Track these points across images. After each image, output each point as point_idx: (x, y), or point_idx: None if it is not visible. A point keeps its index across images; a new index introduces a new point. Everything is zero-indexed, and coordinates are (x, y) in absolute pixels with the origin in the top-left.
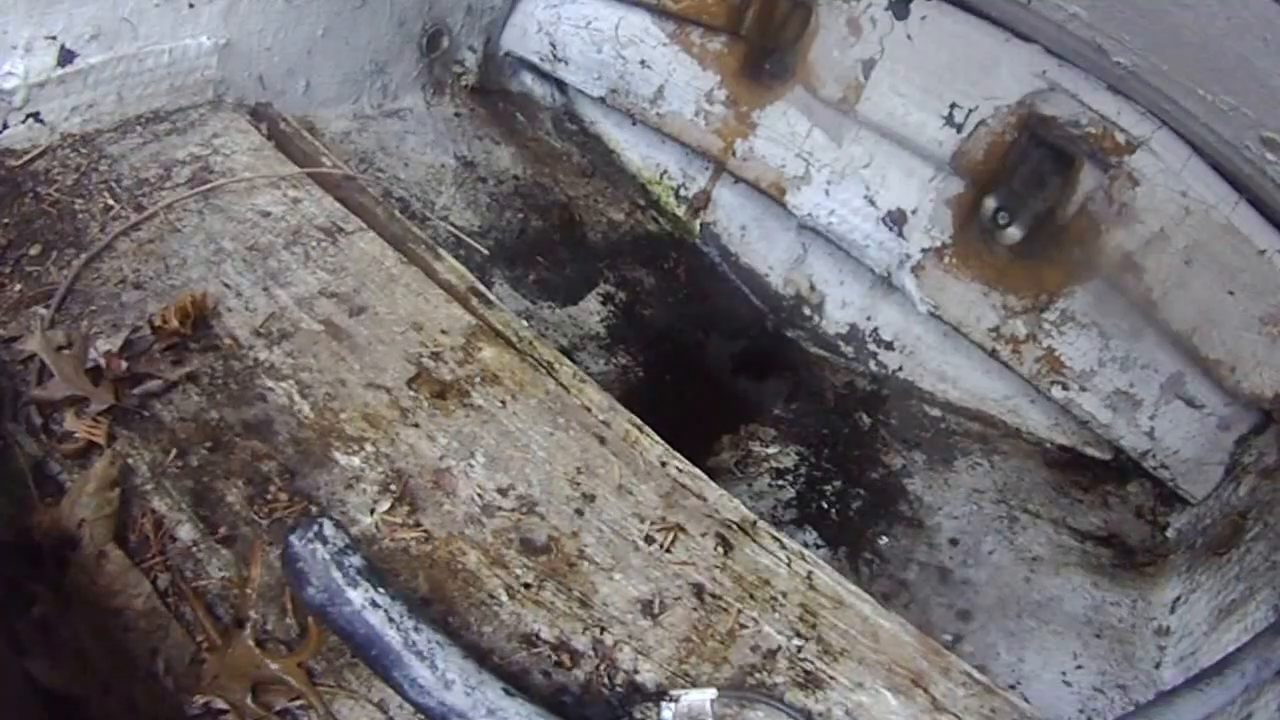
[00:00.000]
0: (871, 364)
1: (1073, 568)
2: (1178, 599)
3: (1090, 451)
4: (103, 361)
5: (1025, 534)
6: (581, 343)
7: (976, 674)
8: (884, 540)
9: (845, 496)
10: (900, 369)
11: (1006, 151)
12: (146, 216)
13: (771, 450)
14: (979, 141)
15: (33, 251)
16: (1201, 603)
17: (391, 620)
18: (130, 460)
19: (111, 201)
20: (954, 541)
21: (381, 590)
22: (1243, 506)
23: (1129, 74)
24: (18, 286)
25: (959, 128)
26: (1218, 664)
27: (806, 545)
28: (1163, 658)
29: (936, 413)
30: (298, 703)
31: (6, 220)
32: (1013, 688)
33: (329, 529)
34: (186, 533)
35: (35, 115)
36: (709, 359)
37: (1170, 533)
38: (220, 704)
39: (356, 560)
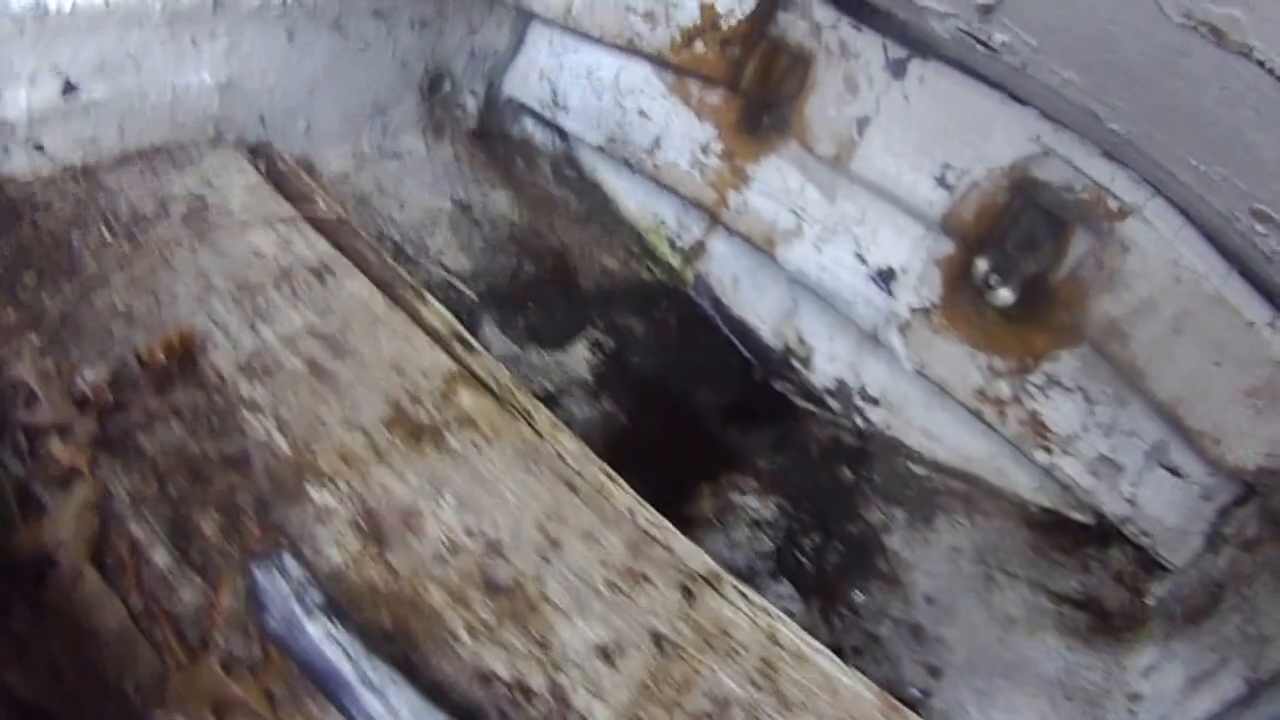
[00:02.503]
0: (858, 419)
1: (1048, 630)
2: (1152, 666)
3: (1073, 515)
4: (89, 391)
5: (1002, 594)
6: (567, 388)
7: None
8: (858, 595)
9: (823, 550)
10: (886, 425)
11: (999, 214)
12: (140, 250)
13: (752, 501)
14: (970, 203)
15: (28, 280)
16: (1175, 671)
17: (348, 655)
18: (111, 487)
19: (107, 234)
20: (929, 599)
21: (338, 625)
22: (1221, 577)
23: (1123, 141)
24: (10, 313)
25: (950, 189)
26: None
27: (780, 597)
28: None
29: (921, 470)
30: None
31: (4, 248)
32: None
33: (290, 562)
34: (161, 558)
35: (37, 145)
36: (695, 408)
37: (1150, 599)
38: None
39: (316, 595)
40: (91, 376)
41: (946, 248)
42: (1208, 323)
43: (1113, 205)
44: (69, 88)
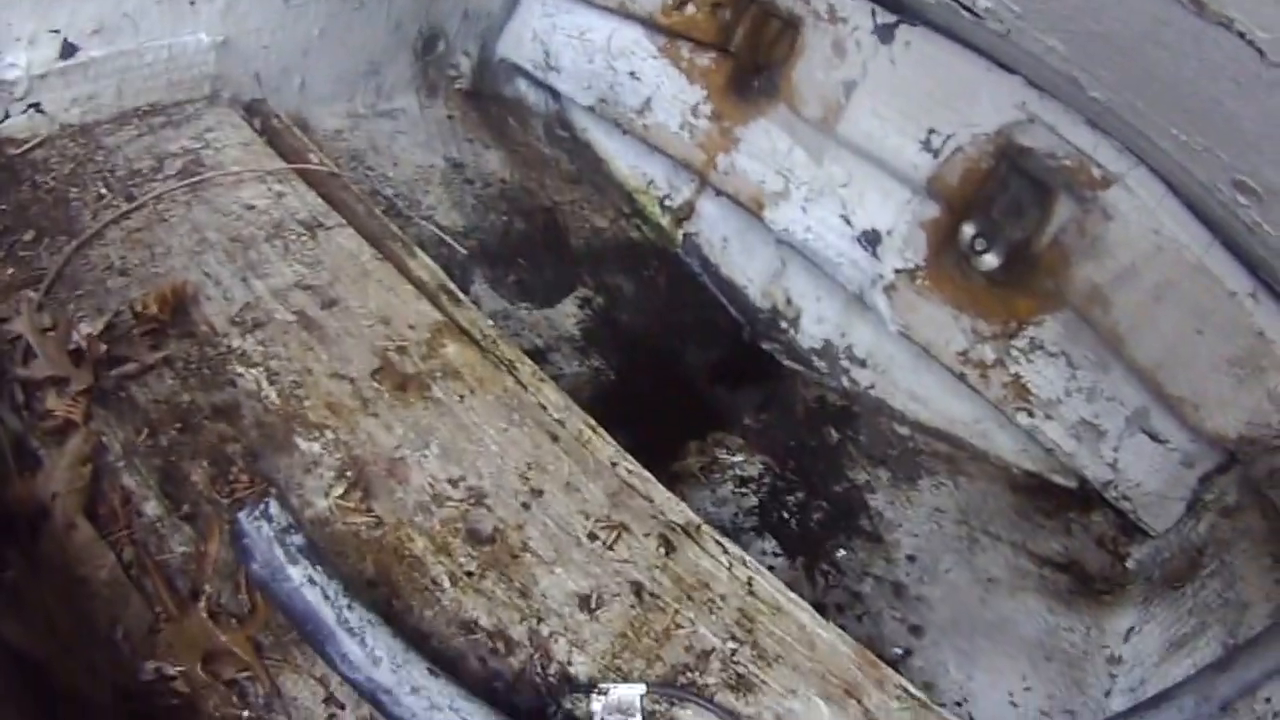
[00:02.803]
0: (844, 380)
1: (1029, 592)
2: (1131, 629)
3: (1056, 479)
4: (84, 344)
5: (984, 555)
6: (556, 344)
7: (912, 688)
8: (842, 553)
9: (807, 508)
10: (872, 386)
11: (983, 179)
12: (136, 206)
13: (738, 458)
14: (955, 167)
15: (26, 237)
16: (1154, 634)
17: (327, 598)
18: (104, 439)
19: (105, 191)
20: (911, 558)
21: (319, 569)
22: (1201, 543)
23: (1105, 110)
24: (10, 270)
25: (935, 153)
26: (1155, 698)
27: (765, 553)
28: (1113, 686)
29: (905, 431)
30: (245, 674)
31: (4, 206)
32: (960, 705)
33: (274, 508)
34: (152, 509)
35: (36, 106)
36: (683, 366)
37: (1130, 563)
38: (172, 670)
39: (298, 539)
40: (86, 330)
41: (932, 211)
42: (1189, 291)
43: (1096, 173)
44: (68, 49)
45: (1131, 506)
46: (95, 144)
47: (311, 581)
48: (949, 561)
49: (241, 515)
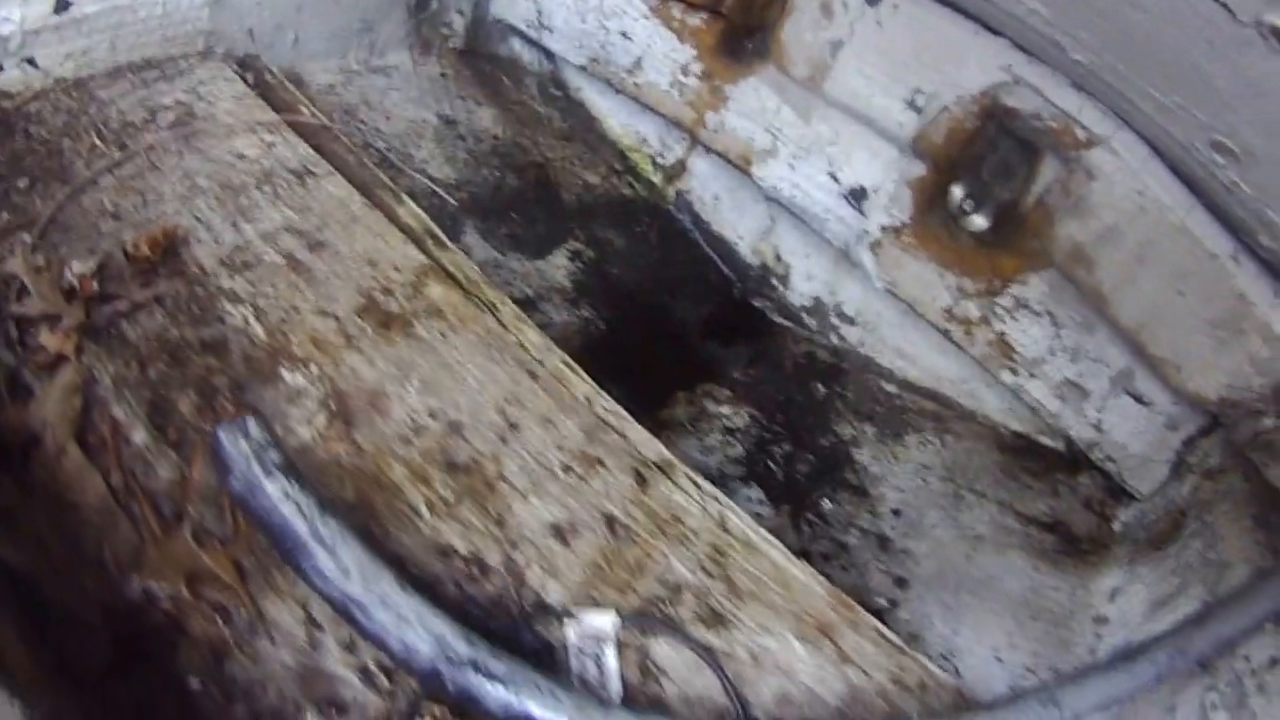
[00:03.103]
0: (833, 336)
1: (1015, 550)
2: (1116, 589)
3: (1044, 440)
4: (76, 282)
5: (970, 512)
6: (546, 294)
7: (887, 632)
8: (827, 504)
9: (793, 459)
10: (861, 344)
11: (968, 138)
12: (129, 156)
13: (725, 409)
14: (940, 126)
15: (20, 184)
16: (1139, 594)
17: (302, 512)
18: (95, 372)
19: (98, 141)
20: (897, 512)
21: (295, 484)
22: (1184, 505)
23: (1088, 72)
24: (4, 216)
25: (920, 111)
26: (1130, 650)
27: (751, 501)
28: (1098, 645)
29: (893, 389)
30: (228, 596)
31: None
32: (945, 659)
33: (253, 426)
34: (140, 437)
35: (30, 60)
36: (672, 320)
37: (1116, 525)
38: (157, 589)
39: (275, 455)
40: (79, 269)
41: (918, 170)
42: (1171, 252)
43: (1080, 135)
44: (62, 4)
45: (1116, 468)
46: (89, 97)
47: (287, 496)
48: (934, 517)
49: (221, 432)
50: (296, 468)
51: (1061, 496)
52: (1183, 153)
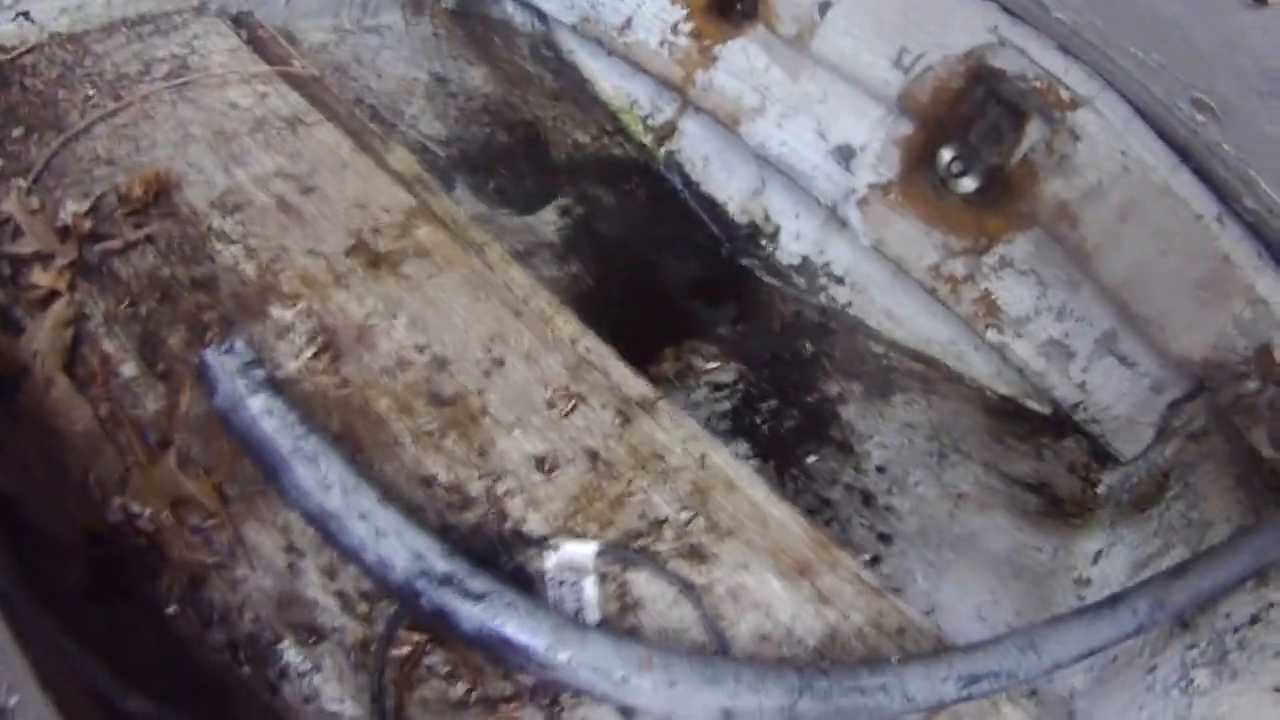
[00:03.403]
0: (821, 296)
1: (998, 509)
2: (1099, 552)
3: (1030, 404)
4: (70, 221)
5: (954, 471)
6: (535, 249)
7: (866, 574)
8: (812, 459)
9: (779, 415)
10: (849, 304)
11: (954, 98)
12: (123, 106)
13: (712, 366)
14: (925, 85)
15: (15, 133)
16: (1121, 557)
17: (284, 428)
18: (86, 309)
19: (92, 92)
20: (881, 469)
21: (279, 400)
22: (1167, 467)
23: (1072, 32)
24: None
25: (906, 70)
26: (1110, 599)
27: (736, 455)
28: (1080, 606)
29: (880, 349)
30: (210, 521)
31: None
32: (928, 614)
33: (239, 345)
34: (129, 370)
35: (25, 14)
36: (661, 277)
37: (1100, 489)
38: (138, 509)
39: (259, 373)
40: (73, 208)
41: (905, 129)
42: (1154, 212)
43: (1065, 95)
44: None
45: (1101, 430)
46: (84, 51)
47: (270, 412)
48: (919, 475)
49: (208, 351)
50: (280, 386)
51: (1046, 459)
52: (1165, 112)
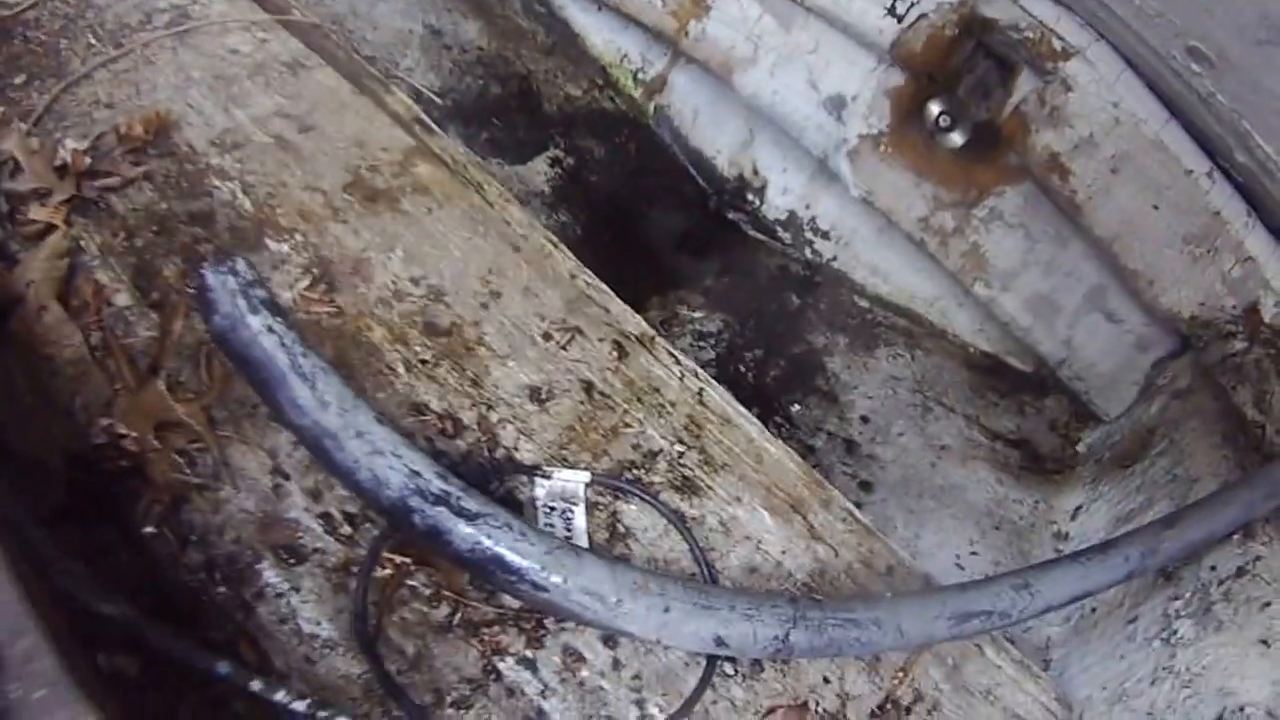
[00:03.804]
0: (807, 251)
1: (980, 461)
2: (1079, 507)
3: (1013, 361)
4: (69, 158)
5: (937, 424)
6: (525, 199)
7: (857, 513)
8: (796, 408)
9: (764, 364)
10: (834, 259)
11: (947, 48)
12: (124, 52)
13: (698, 315)
14: (919, 33)
15: (17, 80)
16: (1101, 511)
17: (283, 345)
18: (82, 242)
19: (93, 40)
20: (865, 419)
21: (278, 319)
22: (1152, 424)
23: None
24: (0, 108)
25: (900, 19)
26: (1102, 544)
27: None
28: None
29: (865, 304)
30: (196, 445)
31: None
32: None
33: (241, 265)
34: (122, 299)
35: None
36: (648, 229)
37: (1081, 447)
38: (123, 430)
39: (260, 292)
40: (72, 145)
41: (896, 80)
42: (1145, 166)
43: (1057, 46)
44: None
45: (1085, 387)
46: (85, 3)
47: (270, 330)
48: (902, 426)
49: (207, 270)
50: (280, 306)
51: (1028, 416)
52: (1159, 63)
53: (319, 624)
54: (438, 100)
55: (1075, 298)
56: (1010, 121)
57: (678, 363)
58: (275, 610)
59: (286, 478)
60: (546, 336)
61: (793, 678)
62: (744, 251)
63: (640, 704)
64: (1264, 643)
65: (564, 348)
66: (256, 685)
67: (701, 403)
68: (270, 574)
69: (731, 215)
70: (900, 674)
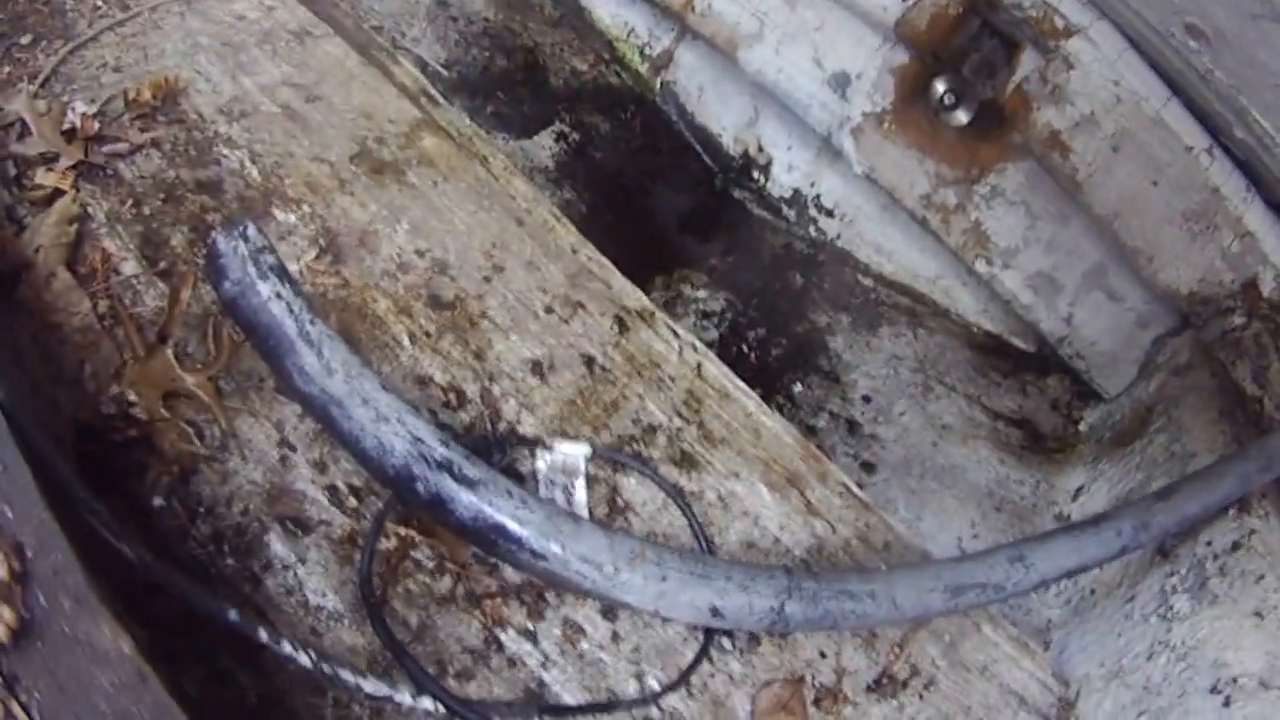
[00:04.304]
0: (811, 229)
1: (981, 441)
2: (1080, 488)
3: (1015, 341)
4: (78, 122)
5: (939, 403)
6: (530, 174)
7: (855, 488)
8: (799, 387)
9: (766, 344)
10: (838, 237)
11: (951, 26)
12: (132, 15)
13: (701, 294)
14: (923, 11)
15: (23, 40)
16: (1102, 492)
17: (291, 312)
18: (89, 209)
19: (100, 2)
20: (867, 399)
21: (288, 286)
22: (1150, 401)
23: None
24: (6, 69)
25: None
26: (1095, 518)
27: None
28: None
29: (869, 283)
30: (204, 415)
31: (1, 16)
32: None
33: (252, 230)
34: (130, 268)
35: None
36: (653, 206)
37: (1083, 427)
38: (132, 398)
39: (271, 259)
40: (82, 109)
41: (901, 58)
42: (1146, 143)
43: (1059, 24)
44: None
45: (1085, 366)
46: None
47: (279, 296)
48: (904, 405)
49: (218, 235)
50: (288, 272)
51: (1029, 396)
52: (1159, 41)
53: (325, 595)
54: (443, 73)
55: (1076, 275)
56: (1013, 99)
57: (676, 337)
58: (282, 582)
59: (293, 449)
60: (548, 310)
61: (789, 652)
62: (748, 230)
63: (639, 676)
64: (1258, 614)
65: (566, 322)
66: (263, 635)
67: (700, 377)
68: (277, 545)
69: (736, 193)
70: (897, 649)
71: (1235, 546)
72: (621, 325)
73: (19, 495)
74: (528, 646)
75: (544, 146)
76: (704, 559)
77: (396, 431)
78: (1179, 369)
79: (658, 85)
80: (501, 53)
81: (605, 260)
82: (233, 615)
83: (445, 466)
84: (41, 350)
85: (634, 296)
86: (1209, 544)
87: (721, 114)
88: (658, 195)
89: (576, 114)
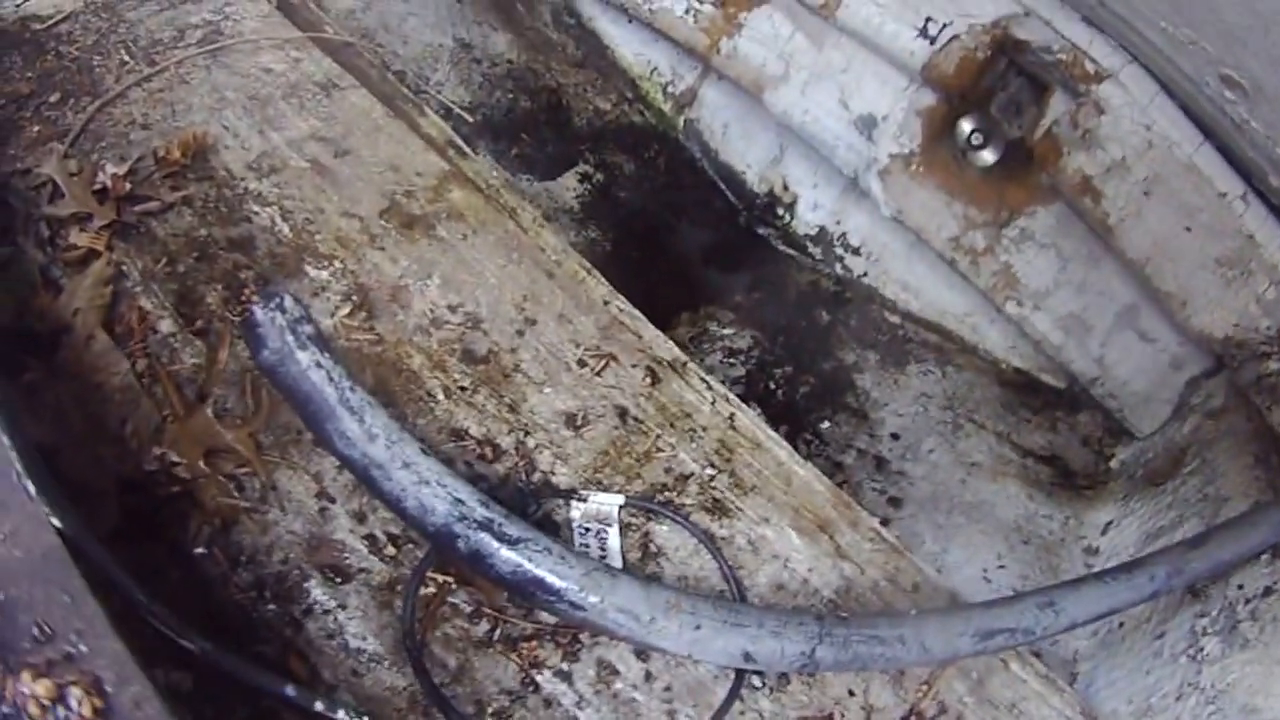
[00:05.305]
0: (837, 267)
1: (1010, 478)
2: (1110, 523)
3: (1045, 378)
4: (109, 183)
5: (968, 440)
6: (554, 215)
7: (885, 532)
8: (826, 425)
9: (794, 381)
10: (865, 274)
11: (979, 69)
12: (158, 70)
13: (728, 331)
14: (951, 55)
15: (52, 99)
16: (1132, 528)
17: (331, 380)
18: (124, 267)
19: (127, 58)
20: (895, 436)
21: (326, 355)
22: (1185, 443)
23: (1099, 4)
24: (36, 128)
25: (932, 40)
26: (1128, 564)
27: None
28: (1098, 570)
29: (896, 320)
30: (244, 469)
31: (29, 74)
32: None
33: (289, 301)
34: (167, 326)
35: None
36: (678, 245)
37: (1114, 463)
38: (175, 458)
39: (308, 328)
40: (112, 170)
41: (928, 99)
42: (1179, 189)
43: (1090, 68)
44: None
45: (1118, 405)
46: (117, 18)
47: (318, 365)
48: (932, 443)
49: (256, 306)
50: (327, 340)
51: (1060, 432)
52: (1193, 88)
53: (365, 639)
54: (468, 118)
55: (1108, 317)
56: (1042, 143)
57: (709, 388)
58: (323, 626)
59: (332, 501)
60: (581, 363)
61: (818, 690)
62: (774, 267)
63: (671, 714)
64: None
65: (598, 374)
66: (319, 705)
67: (733, 427)
68: (318, 592)
69: (761, 230)
70: (924, 687)
71: (1267, 591)
72: (654, 376)
73: (89, 627)
74: (563, 687)
75: (569, 187)
76: (736, 607)
77: (437, 493)
78: (1214, 412)
79: (681, 123)
80: (525, 94)
81: (636, 311)
82: (290, 692)
83: (486, 525)
84: (83, 410)
85: (665, 347)
86: (1240, 587)
87: (746, 152)
88: (682, 232)
89: (600, 154)
